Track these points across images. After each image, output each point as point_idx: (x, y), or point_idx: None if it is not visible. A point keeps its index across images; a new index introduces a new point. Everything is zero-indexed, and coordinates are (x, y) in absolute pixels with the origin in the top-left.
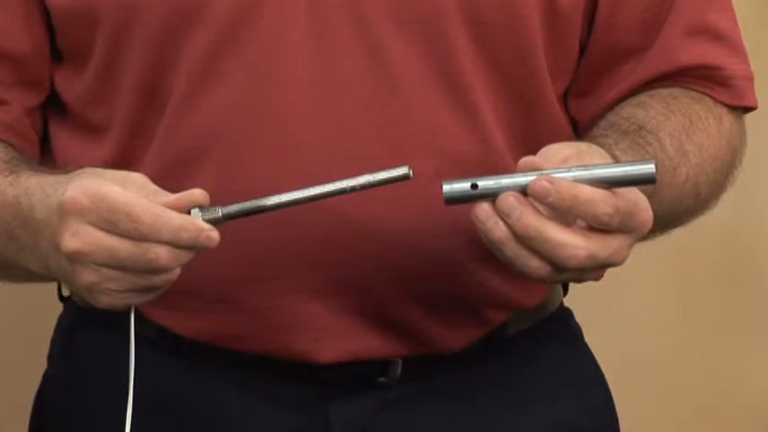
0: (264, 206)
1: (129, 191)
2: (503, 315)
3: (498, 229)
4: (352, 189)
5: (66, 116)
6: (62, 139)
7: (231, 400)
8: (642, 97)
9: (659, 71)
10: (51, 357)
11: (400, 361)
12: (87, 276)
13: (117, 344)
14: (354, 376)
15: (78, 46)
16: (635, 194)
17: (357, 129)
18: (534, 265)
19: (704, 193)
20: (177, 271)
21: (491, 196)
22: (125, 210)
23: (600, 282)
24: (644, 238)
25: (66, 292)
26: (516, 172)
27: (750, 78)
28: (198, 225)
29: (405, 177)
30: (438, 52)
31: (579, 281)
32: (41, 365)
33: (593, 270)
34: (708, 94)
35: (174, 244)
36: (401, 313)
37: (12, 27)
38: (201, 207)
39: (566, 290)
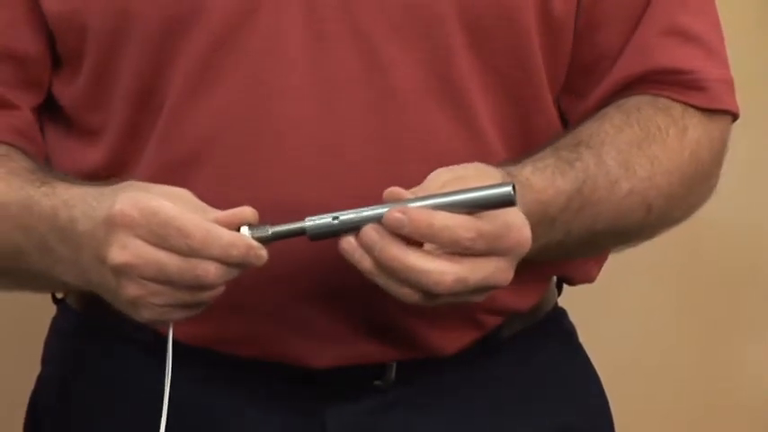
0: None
1: (178, 206)
2: (497, 319)
3: (365, 261)
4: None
5: (60, 119)
6: (57, 141)
7: (227, 404)
8: (609, 108)
9: (633, 72)
10: (45, 360)
11: (395, 365)
12: (133, 290)
13: (113, 347)
14: (350, 380)
15: (72, 51)
16: (506, 216)
17: (354, 134)
18: (405, 292)
19: (658, 206)
20: (222, 288)
21: (354, 229)
22: (176, 224)
23: (597, 282)
24: (608, 252)
25: (60, 294)
26: (382, 202)
27: (726, 82)
28: (248, 242)
29: None
30: (435, 57)
31: (465, 302)
32: (37, 367)
33: (470, 294)
34: (680, 101)
35: (223, 261)
36: (396, 318)
37: (17, 27)
38: (251, 225)
39: (560, 290)
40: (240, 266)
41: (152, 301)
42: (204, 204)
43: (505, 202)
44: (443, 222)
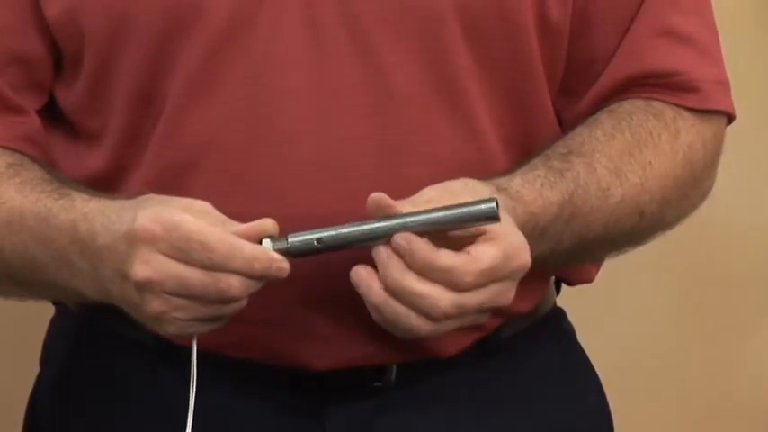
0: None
1: (199, 219)
2: (497, 320)
3: (373, 292)
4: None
5: (62, 123)
6: (58, 145)
7: (227, 406)
8: (601, 113)
9: (625, 75)
10: (44, 361)
11: (395, 366)
12: (156, 305)
13: (111, 349)
14: (350, 382)
15: (71, 54)
16: (506, 243)
17: (353, 137)
18: (414, 323)
19: (651, 211)
20: (245, 301)
21: (338, 247)
22: (198, 239)
23: (596, 282)
24: (602, 258)
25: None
26: (367, 205)
27: (721, 83)
28: (270, 255)
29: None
30: (434, 59)
31: (471, 324)
32: (36, 368)
33: (471, 316)
34: (673, 103)
35: (246, 274)
36: None
37: (22, 30)
38: (272, 237)
39: (558, 290)
40: (263, 279)
41: (176, 316)
42: (224, 217)
43: (489, 217)
44: (443, 264)
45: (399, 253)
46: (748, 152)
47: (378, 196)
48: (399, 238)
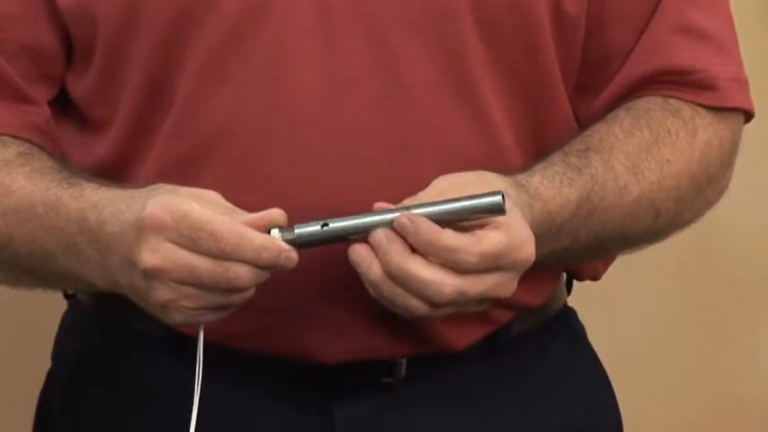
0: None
1: (208, 209)
2: (507, 315)
3: (372, 272)
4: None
5: (71, 112)
6: (66, 134)
7: (236, 399)
8: (619, 110)
9: (643, 72)
10: (56, 356)
11: (405, 361)
12: (164, 294)
13: (122, 343)
14: (359, 376)
15: (83, 43)
16: (511, 233)
17: (365, 129)
18: (413, 304)
19: (667, 209)
20: (252, 290)
21: (341, 238)
22: (207, 228)
23: (603, 281)
24: (614, 255)
25: (70, 290)
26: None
27: (739, 80)
28: (279, 245)
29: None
30: (447, 52)
31: (469, 311)
32: (46, 363)
33: (471, 304)
34: (691, 101)
35: (255, 263)
36: None
37: (35, 21)
38: (280, 227)
39: (569, 290)
40: (271, 269)
41: (183, 305)
42: (232, 206)
43: (495, 210)
44: (447, 243)
45: (403, 232)
46: (749, 152)
47: (381, 206)
48: (403, 218)
